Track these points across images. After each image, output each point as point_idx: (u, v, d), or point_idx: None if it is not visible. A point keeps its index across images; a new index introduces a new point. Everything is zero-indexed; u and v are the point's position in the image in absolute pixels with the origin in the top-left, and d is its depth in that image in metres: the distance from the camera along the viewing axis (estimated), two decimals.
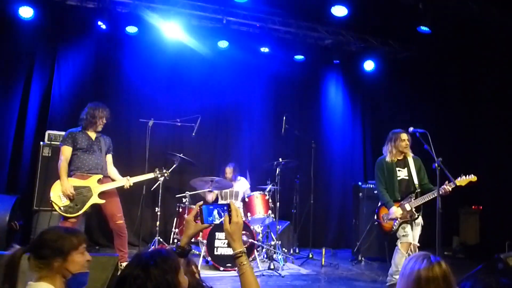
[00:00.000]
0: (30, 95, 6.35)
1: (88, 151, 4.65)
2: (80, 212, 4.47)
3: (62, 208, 4.39)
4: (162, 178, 5.18)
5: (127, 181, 4.78)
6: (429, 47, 7.65)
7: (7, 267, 1.87)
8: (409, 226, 4.61)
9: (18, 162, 6.08)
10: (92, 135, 4.76)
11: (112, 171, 4.88)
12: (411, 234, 4.59)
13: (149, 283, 1.54)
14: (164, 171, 5.12)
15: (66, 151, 4.60)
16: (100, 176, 4.66)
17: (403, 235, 4.58)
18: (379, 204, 4.86)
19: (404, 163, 4.79)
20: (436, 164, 4.10)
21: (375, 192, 5.58)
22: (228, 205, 1.90)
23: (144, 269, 1.57)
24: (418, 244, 4.57)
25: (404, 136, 4.77)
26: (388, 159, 4.76)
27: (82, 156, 4.60)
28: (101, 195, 4.57)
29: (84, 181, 4.54)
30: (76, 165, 4.58)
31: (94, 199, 4.53)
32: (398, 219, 4.56)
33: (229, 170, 6.49)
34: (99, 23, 6.38)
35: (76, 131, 4.72)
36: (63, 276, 1.94)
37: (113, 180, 4.81)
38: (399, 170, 4.75)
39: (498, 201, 7.18)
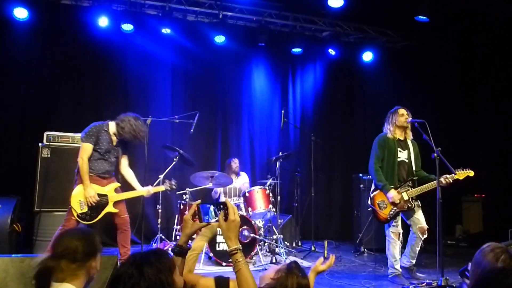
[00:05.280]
0: (28, 95, 6.37)
1: (104, 156, 4.41)
2: (95, 220, 4.36)
3: (79, 215, 4.27)
4: (169, 188, 4.97)
5: (148, 192, 4.67)
6: (428, 36, 7.60)
7: (39, 275, 1.83)
8: (399, 215, 4.58)
9: (17, 164, 6.08)
10: (114, 138, 4.48)
11: (128, 173, 4.69)
12: (401, 224, 4.58)
13: (142, 282, 1.54)
14: (173, 182, 4.96)
15: (89, 150, 4.30)
16: (118, 185, 4.54)
17: (393, 225, 4.57)
18: (373, 188, 4.76)
19: (405, 145, 4.70)
20: (435, 154, 4.06)
21: None
22: (224, 203, 1.90)
23: (138, 268, 1.57)
24: (427, 226, 4.54)
25: (402, 110, 4.67)
26: (390, 136, 4.65)
27: (96, 159, 4.38)
28: (115, 204, 4.44)
29: (103, 189, 4.40)
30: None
31: (109, 208, 4.40)
32: (395, 208, 4.52)
33: (234, 162, 6.50)
34: (102, 21, 6.39)
35: (100, 126, 4.40)
36: (90, 275, 1.93)
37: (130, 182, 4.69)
38: (400, 151, 4.64)
39: (501, 188, 7.16)
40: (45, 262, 1.84)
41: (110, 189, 4.46)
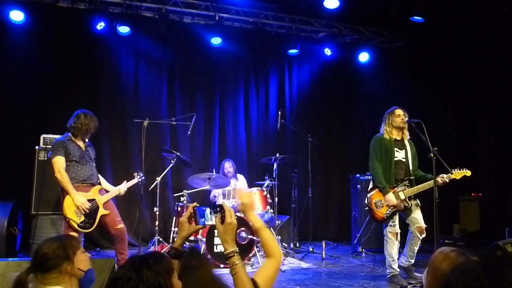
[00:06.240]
0: (25, 98, 6.35)
1: (81, 161, 4.44)
2: (94, 226, 4.38)
3: (80, 224, 4.26)
4: (140, 180, 5.06)
5: (124, 188, 4.76)
6: (423, 36, 7.64)
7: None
8: (397, 214, 4.60)
9: (14, 167, 6.06)
10: (81, 144, 4.52)
11: (100, 179, 4.78)
12: (398, 224, 4.59)
13: (141, 285, 1.53)
14: (140, 174, 5.06)
15: (61, 162, 4.32)
16: (100, 186, 4.57)
17: (391, 225, 4.57)
18: (370, 187, 4.77)
19: (402, 145, 4.72)
20: (432, 154, 4.08)
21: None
22: (221, 206, 1.89)
23: (137, 271, 1.56)
24: (425, 226, 4.55)
25: (398, 111, 4.69)
26: (386, 136, 4.69)
27: (75, 167, 4.39)
28: (104, 205, 4.48)
29: (88, 194, 4.41)
30: (70, 176, 4.35)
31: (101, 211, 4.42)
32: (392, 207, 4.53)
33: (228, 165, 6.49)
34: (99, 23, 6.40)
35: (64, 140, 4.43)
36: (76, 276, 1.99)
37: (103, 187, 4.74)
38: (397, 151, 4.66)
39: (498, 187, 7.18)
40: (21, 275, 1.90)
41: (94, 192, 4.47)
